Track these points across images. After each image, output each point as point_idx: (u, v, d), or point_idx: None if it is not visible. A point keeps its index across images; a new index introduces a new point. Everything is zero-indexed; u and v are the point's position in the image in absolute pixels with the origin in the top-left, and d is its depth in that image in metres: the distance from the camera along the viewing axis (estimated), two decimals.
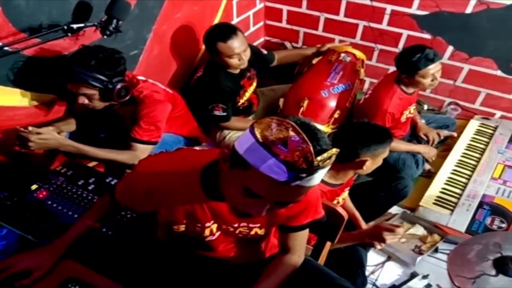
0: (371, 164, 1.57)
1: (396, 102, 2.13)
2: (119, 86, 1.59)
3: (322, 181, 1.57)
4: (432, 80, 2.08)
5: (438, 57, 2.04)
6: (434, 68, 2.03)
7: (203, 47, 2.52)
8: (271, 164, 0.78)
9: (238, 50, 2.05)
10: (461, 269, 1.22)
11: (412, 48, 2.09)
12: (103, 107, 1.67)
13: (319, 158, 0.79)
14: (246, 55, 2.12)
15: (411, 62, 2.03)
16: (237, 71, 2.23)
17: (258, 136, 0.80)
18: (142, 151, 1.71)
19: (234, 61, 2.09)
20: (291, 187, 0.81)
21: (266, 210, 0.91)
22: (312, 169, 0.79)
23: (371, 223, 2.08)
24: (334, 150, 0.82)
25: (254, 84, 2.43)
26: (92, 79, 1.53)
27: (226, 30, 2.06)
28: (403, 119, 2.24)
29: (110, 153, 1.68)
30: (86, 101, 1.60)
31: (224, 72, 2.17)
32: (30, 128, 1.51)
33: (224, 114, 2.19)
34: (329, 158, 0.81)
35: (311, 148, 0.78)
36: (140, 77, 1.79)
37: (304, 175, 0.79)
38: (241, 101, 2.33)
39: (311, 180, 0.82)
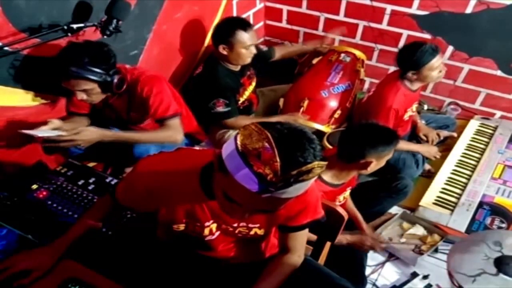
0: (375, 165, 1.57)
1: (401, 99, 2.11)
2: (117, 76, 1.61)
3: (323, 181, 1.58)
4: (439, 72, 2.08)
5: (439, 50, 2.04)
6: (438, 61, 2.03)
7: (203, 47, 2.54)
8: (245, 173, 0.78)
9: (253, 41, 2.12)
10: (461, 266, 1.22)
11: (410, 45, 2.08)
12: (100, 101, 1.68)
13: (294, 172, 0.77)
14: (254, 50, 2.17)
15: (416, 57, 2.00)
16: (237, 68, 2.23)
17: (239, 143, 0.80)
18: (175, 126, 1.75)
19: (247, 53, 2.12)
20: (265, 197, 0.81)
21: (247, 215, 0.92)
22: (280, 184, 0.78)
23: (371, 223, 2.08)
24: (316, 164, 0.79)
25: (254, 83, 2.43)
26: (90, 73, 1.53)
27: (244, 21, 2.13)
28: (406, 117, 2.23)
29: (149, 134, 1.74)
30: (85, 97, 1.61)
31: (224, 69, 2.18)
32: (61, 133, 1.54)
33: (228, 109, 2.15)
34: (308, 172, 0.79)
35: (279, 164, 0.76)
36: (128, 66, 1.80)
37: (273, 189, 0.78)
38: (241, 99, 2.33)
39: (285, 193, 0.81)
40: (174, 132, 1.75)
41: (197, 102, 2.17)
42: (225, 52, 2.11)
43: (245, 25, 2.10)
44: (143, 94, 1.71)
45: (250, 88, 2.40)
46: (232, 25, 2.09)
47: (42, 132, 1.54)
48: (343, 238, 1.74)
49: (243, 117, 2.25)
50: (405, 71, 2.09)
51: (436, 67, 2.04)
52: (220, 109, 2.14)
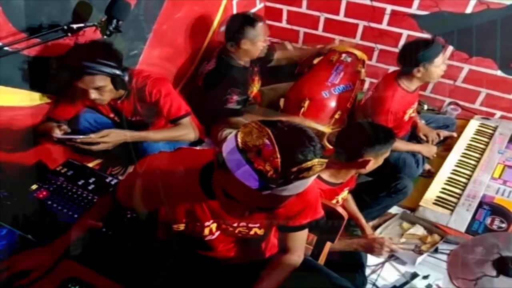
0: (373, 164, 1.57)
1: (399, 100, 2.10)
2: (127, 73, 1.64)
3: (322, 179, 1.58)
4: (442, 69, 2.07)
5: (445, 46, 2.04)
6: (444, 56, 2.03)
7: (203, 47, 2.54)
8: (245, 170, 0.79)
9: (264, 36, 2.18)
10: (462, 271, 1.22)
11: (416, 41, 2.08)
12: (108, 101, 1.70)
13: (294, 169, 0.78)
14: (263, 44, 2.22)
15: (426, 51, 1.98)
16: (247, 64, 2.26)
17: (239, 141, 0.80)
18: (188, 124, 1.82)
19: (257, 48, 2.17)
20: (265, 195, 0.81)
21: (247, 213, 0.92)
22: (280, 181, 0.78)
23: (371, 223, 2.08)
24: (316, 161, 0.80)
25: (259, 80, 2.45)
26: (104, 67, 1.55)
27: (253, 16, 2.18)
28: (406, 118, 2.23)
29: (166, 134, 1.80)
30: (97, 96, 1.62)
31: (236, 64, 2.21)
32: (92, 136, 1.61)
33: (238, 107, 2.17)
34: (308, 169, 0.79)
35: (279, 161, 0.77)
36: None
37: (273, 185, 0.79)
38: (251, 95, 2.36)
39: (286, 190, 0.81)
40: (188, 131, 1.81)
41: (209, 98, 2.18)
42: (232, 49, 2.15)
43: (252, 20, 2.13)
44: (152, 98, 1.74)
45: (257, 85, 2.42)
46: (239, 22, 2.12)
47: (76, 136, 1.62)
48: (352, 244, 1.72)
49: (249, 115, 2.26)
50: (410, 67, 2.05)
51: (442, 63, 2.04)
52: (231, 106, 2.16)
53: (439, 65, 2.03)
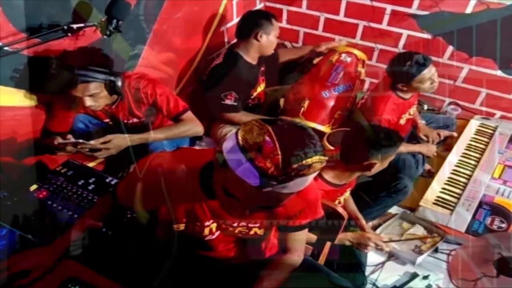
0: (379, 166, 1.57)
1: (392, 108, 2.10)
2: (119, 78, 1.63)
3: (325, 180, 1.58)
4: (431, 83, 2.06)
5: (429, 60, 2.01)
6: (429, 72, 2.01)
7: (203, 47, 2.53)
8: (246, 168, 0.79)
9: (277, 32, 2.24)
10: (462, 272, 1.22)
11: (400, 57, 2.07)
12: (103, 106, 1.68)
13: (295, 166, 0.78)
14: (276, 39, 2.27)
15: (403, 72, 2.00)
16: (255, 62, 2.27)
17: (240, 138, 0.81)
18: (191, 118, 1.81)
19: (270, 43, 2.22)
20: (265, 192, 0.81)
21: (248, 212, 0.92)
22: (281, 178, 0.78)
23: (371, 223, 2.08)
24: (316, 159, 0.81)
25: (264, 81, 2.46)
26: (97, 74, 1.55)
27: (269, 12, 2.28)
28: (402, 122, 2.23)
29: (172, 131, 1.78)
30: (92, 103, 1.61)
31: (244, 62, 2.22)
32: (92, 142, 1.60)
33: (235, 104, 2.18)
34: (309, 166, 0.80)
35: (280, 157, 0.77)
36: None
37: (275, 182, 0.79)
38: (254, 94, 2.36)
39: (286, 187, 0.81)
40: (193, 124, 1.81)
41: (209, 92, 2.18)
42: (244, 45, 2.18)
43: (268, 15, 2.19)
44: (149, 99, 1.74)
45: (262, 85, 2.43)
46: (255, 17, 2.18)
47: (77, 140, 1.61)
48: (345, 238, 1.74)
49: (244, 113, 2.27)
50: (396, 83, 2.09)
51: (427, 79, 2.02)
52: (229, 102, 2.16)
53: (424, 81, 2.03)
